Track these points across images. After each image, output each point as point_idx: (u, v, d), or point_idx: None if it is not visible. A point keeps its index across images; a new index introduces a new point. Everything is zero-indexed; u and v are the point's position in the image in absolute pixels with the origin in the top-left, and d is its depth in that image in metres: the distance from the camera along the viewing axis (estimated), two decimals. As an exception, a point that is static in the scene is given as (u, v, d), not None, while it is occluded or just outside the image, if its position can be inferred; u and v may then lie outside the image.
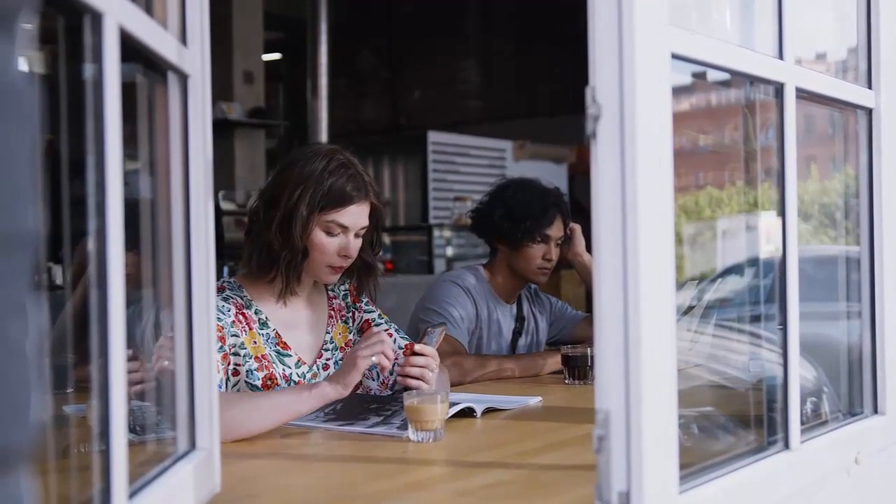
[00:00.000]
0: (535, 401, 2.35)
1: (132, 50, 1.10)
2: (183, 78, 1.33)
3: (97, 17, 0.99)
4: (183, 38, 1.34)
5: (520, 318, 3.15)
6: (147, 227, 1.34)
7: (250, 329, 2.19)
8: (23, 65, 0.60)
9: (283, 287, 2.23)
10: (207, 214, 1.38)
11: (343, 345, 2.36)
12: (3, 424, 0.56)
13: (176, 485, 1.25)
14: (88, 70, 1.00)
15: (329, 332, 2.35)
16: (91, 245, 1.00)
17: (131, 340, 1.05)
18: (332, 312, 2.38)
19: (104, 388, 1.00)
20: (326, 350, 2.33)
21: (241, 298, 2.22)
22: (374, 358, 1.97)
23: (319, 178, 2.16)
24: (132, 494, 1.08)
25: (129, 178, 1.07)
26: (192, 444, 1.36)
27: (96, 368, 1.00)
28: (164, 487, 1.20)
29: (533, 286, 3.20)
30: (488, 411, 2.18)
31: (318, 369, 2.29)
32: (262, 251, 2.20)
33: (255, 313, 2.22)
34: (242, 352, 2.15)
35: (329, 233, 2.19)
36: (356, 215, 2.21)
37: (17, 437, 0.57)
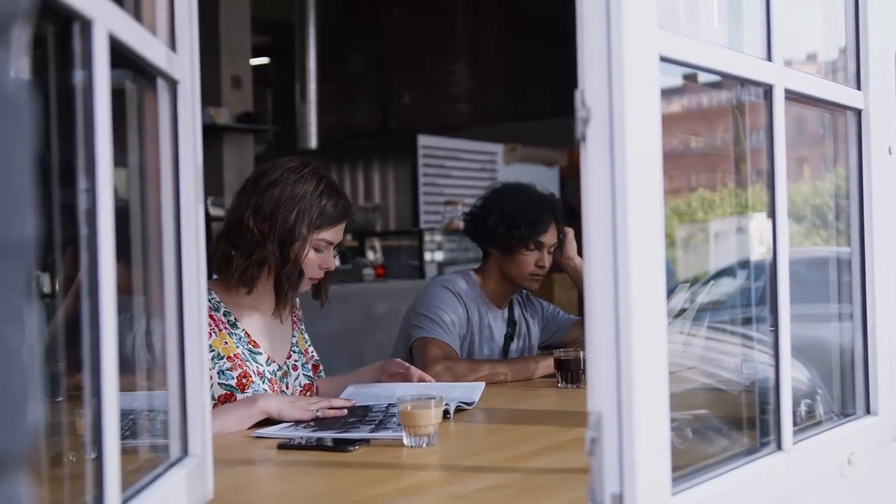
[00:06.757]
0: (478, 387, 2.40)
1: (120, 56, 1.10)
2: (172, 84, 1.33)
3: (87, 24, 0.98)
4: (172, 44, 1.33)
5: (511, 323, 3.14)
6: (137, 235, 1.33)
7: (220, 331, 2.25)
8: (19, 72, 0.60)
9: (279, 301, 2.32)
10: (198, 221, 1.37)
11: (303, 350, 2.47)
12: (2, 430, 0.56)
13: (168, 492, 1.24)
14: (78, 76, 1.00)
15: (294, 337, 2.45)
16: (82, 252, 0.99)
17: (122, 350, 1.05)
18: (296, 320, 2.49)
19: (97, 396, 0.99)
20: (294, 352, 2.43)
21: (210, 301, 2.26)
22: (319, 413, 2.13)
23: (313, 200, 2.27)
24: (124, 501, 1.08)
25: (117, 186, 1.07)
26: (185, 451, 1.36)
27: (88, 376, 0.99)
28: (157, 494, 1.20)
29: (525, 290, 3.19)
30: (460, 410, 2.22)
31: (288, 368, 2.39)
32: (255, 266, 2.26)
33: (224, 315, 2.29)
34: (211, 353, 2.20)
35: (317, 250, 2.30)
36: (341, 232, 2.35)
37: (16, 442, 0.58)
